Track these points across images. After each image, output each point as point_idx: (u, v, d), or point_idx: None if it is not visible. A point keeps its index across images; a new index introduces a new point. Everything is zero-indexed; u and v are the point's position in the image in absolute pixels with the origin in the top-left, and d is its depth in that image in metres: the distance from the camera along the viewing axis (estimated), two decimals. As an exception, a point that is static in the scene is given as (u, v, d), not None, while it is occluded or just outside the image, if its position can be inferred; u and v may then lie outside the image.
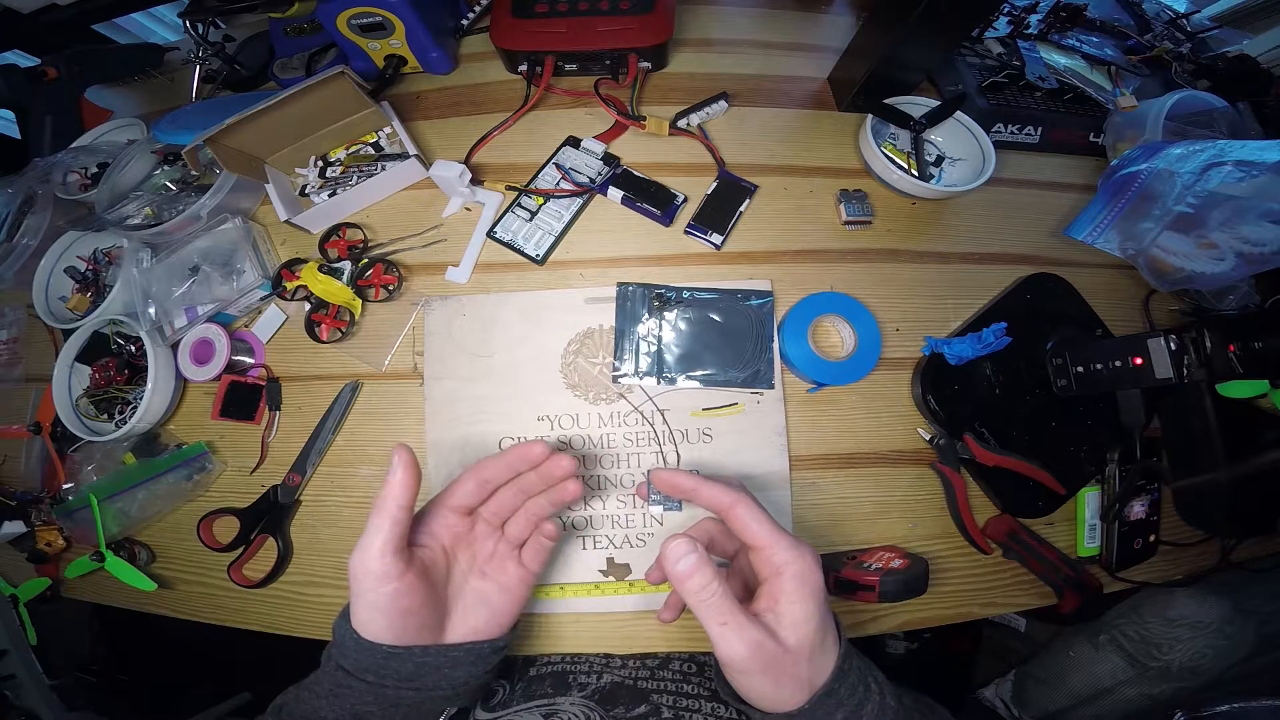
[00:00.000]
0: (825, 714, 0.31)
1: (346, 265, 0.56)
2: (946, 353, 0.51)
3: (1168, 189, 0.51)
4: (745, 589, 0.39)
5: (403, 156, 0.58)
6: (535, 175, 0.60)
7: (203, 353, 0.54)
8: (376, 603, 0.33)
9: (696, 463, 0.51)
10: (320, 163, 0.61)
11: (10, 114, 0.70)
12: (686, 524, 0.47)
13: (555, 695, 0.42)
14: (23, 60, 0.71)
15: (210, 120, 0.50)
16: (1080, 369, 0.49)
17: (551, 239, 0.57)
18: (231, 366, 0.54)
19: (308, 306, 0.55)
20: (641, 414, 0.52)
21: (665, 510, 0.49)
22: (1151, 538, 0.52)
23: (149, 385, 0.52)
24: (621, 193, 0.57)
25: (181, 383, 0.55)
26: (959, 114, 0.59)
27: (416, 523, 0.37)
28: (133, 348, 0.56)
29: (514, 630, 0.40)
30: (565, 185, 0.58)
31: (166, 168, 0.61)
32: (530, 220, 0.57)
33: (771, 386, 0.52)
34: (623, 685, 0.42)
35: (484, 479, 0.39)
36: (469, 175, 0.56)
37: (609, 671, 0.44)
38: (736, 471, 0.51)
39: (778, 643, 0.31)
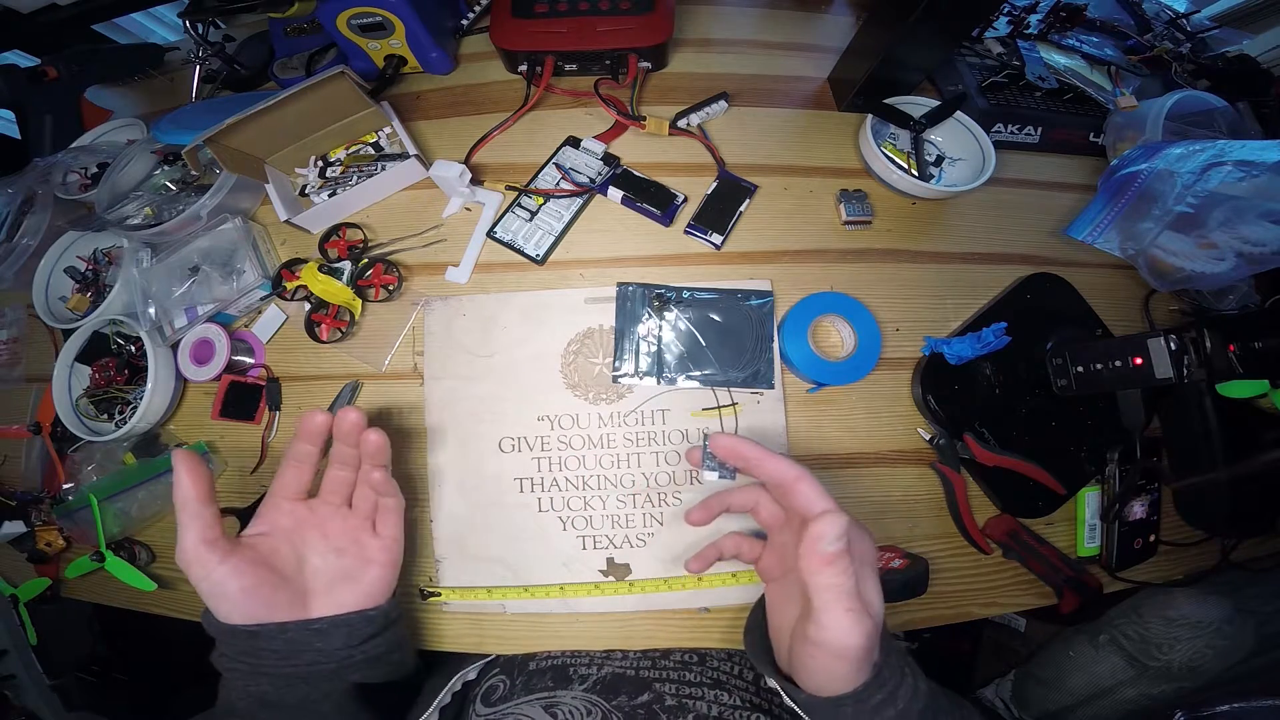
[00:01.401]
0: (868, 694, 0.31)
1: (346, 265, 0.56)
2: (946, 353, 0.51)
3: (1168, 189, 0.51)
4: (782, 564, 0.39)
5: (403, 156, 0.58)
6: (535, 175, 0.60)
7: (203, 353, 0.54)
8: (212, 590, 0.35)
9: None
10: (320, 163, 0.60)
11: (10, 114, 0.70)
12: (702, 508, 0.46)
13: (556, 688, 0.42)
14: (23, 60, 0.71)
15: (210, 120, 0.50)
16: (1080, 369, 0.49)
17: (551, 239, 0.57)
18: (231, 366, 0.54)
19: (308, 306, 0.55)
20: (643, 412, 0.52)
21: (720, 478, 0.44)
22: (1151, 538, 0.52)
23: (149, 385, 0.52)
24: (621, 193, 0.57)
25: (181, 383, 0.55)
26: (959, 114, 0.59)
27: (255, 518, 0.39)
28: (133, 348, 0.56)
29: (394, 599, 0.41)
30: (565, 185, 0.58)
31: (166, 168, 0.61)
32: (530, 220, 0.57)
33: (771, 386, 0.52)
34: (624, 675, 0.42)
35: (296, 460, 0.40)
36: (469, 175, 0.56)
37: (610, 663, 0.44)
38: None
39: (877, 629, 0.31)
